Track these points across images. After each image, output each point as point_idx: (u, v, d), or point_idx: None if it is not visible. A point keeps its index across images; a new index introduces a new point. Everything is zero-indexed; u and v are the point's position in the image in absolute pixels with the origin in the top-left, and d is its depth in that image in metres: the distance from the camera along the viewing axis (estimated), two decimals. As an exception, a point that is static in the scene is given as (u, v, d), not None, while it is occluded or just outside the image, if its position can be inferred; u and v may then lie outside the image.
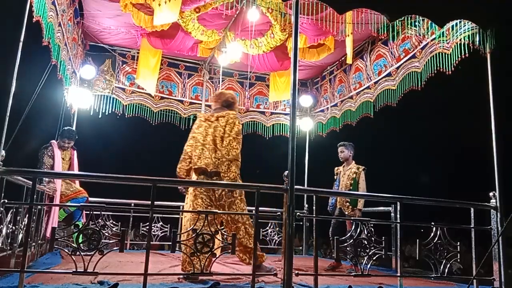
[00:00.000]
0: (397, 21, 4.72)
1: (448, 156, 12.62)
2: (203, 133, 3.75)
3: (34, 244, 4.12)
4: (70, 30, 5.17)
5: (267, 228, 6.86)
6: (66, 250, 2.77)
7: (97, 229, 2.67)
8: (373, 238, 3.22)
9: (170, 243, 3.14)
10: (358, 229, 3.20)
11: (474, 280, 3.44)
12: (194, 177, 3.73)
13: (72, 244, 2.64)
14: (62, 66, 4.90)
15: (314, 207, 3.27)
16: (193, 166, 3.70)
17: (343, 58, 6.57)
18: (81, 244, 2.62)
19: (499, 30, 3.78)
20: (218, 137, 3.67)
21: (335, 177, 5.41)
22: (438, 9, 3.60)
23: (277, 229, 6.88)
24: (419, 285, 3.93)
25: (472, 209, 3.60)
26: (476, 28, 3.94)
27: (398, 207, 3.48)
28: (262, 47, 6.04)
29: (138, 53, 6.51)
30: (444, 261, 3.39)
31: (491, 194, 3.61)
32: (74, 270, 2.57)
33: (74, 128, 5.95)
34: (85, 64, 6.33)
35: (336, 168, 5.43)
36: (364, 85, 6.17)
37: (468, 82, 6.89)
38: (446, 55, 4.43)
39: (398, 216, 3.50)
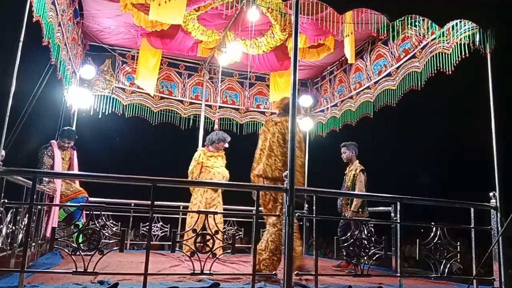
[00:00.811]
0: (397, 21, 4.72)
1: (448, 156, 12.63)
2: (262, 138, 3.93)
3: (34, 244, 4.12)
4: (70, 30, 5.17)
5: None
6: (66, 250, 2.77)
7: (97, 229, 2.67)
8: (373, 238, 3.22)
9: (170, 243, 3.14)
10: (358, 229, 3.20)
11: (474, 280, 3.44)
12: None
13: (72, 244, 2.65)
14: (62, 66, 4.89)
15: (314, 207, 3.27)
16: (253, 170, 3.89)
17: (343, 58, 6.56)
18: (81, 244, 2.62)
19: (499, 30, 3.77)
20: (275, 143, 3.78)
21: (344, 177, 5.41)
22: (438, 9, 3.60)
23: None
24: (419, 285, 3.93)
25: (472, 209, 3.60)
26: (476, 28, 3.93)
27: (398, 207, 3.48)
28: (262, 47, 6.04)
29: (138, 53, 6.50)
30: (444, 261, 3.40)
31: (491, 194, 3.60)
32: (74, 270, 2.57)
33: (74, 128, 5.95)
34: (85, 64, 6.33)
35: (347, 167, 5.40)
36: (364, 85, 6.16)
37: (468, 82, 6.89)
38: (446, 55, 4.43)
39: (398, 216, 3.50)
